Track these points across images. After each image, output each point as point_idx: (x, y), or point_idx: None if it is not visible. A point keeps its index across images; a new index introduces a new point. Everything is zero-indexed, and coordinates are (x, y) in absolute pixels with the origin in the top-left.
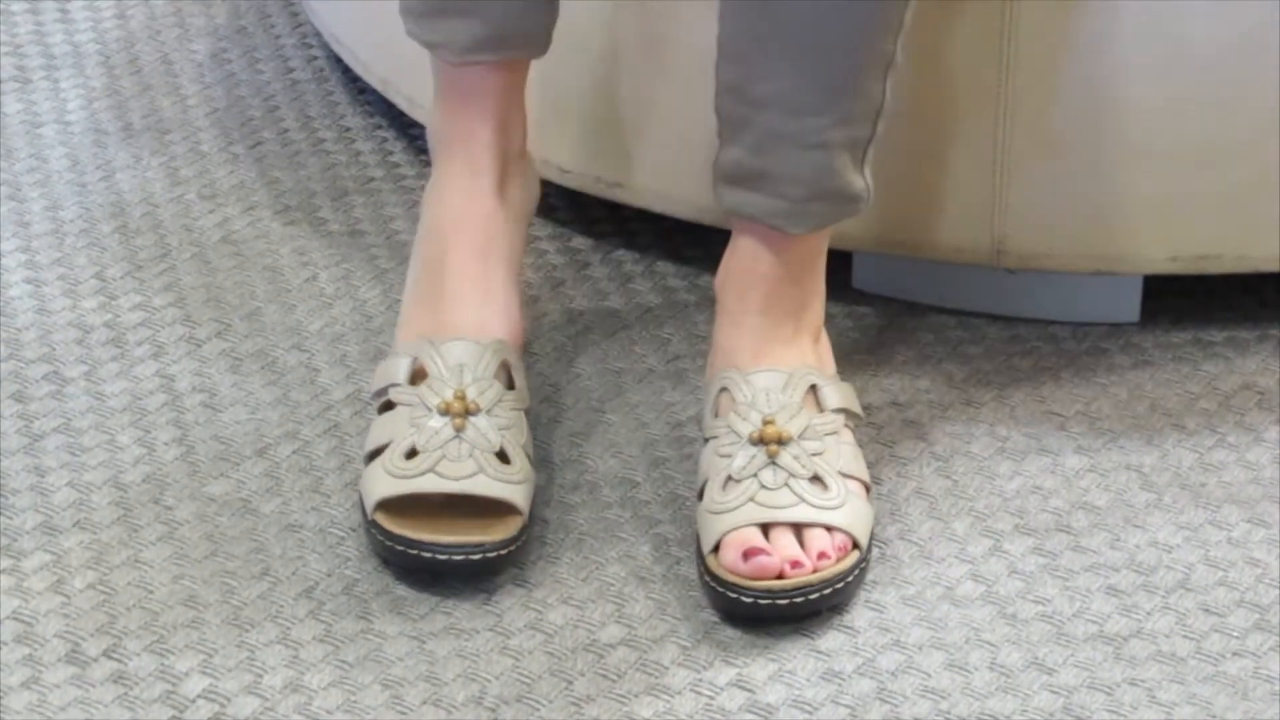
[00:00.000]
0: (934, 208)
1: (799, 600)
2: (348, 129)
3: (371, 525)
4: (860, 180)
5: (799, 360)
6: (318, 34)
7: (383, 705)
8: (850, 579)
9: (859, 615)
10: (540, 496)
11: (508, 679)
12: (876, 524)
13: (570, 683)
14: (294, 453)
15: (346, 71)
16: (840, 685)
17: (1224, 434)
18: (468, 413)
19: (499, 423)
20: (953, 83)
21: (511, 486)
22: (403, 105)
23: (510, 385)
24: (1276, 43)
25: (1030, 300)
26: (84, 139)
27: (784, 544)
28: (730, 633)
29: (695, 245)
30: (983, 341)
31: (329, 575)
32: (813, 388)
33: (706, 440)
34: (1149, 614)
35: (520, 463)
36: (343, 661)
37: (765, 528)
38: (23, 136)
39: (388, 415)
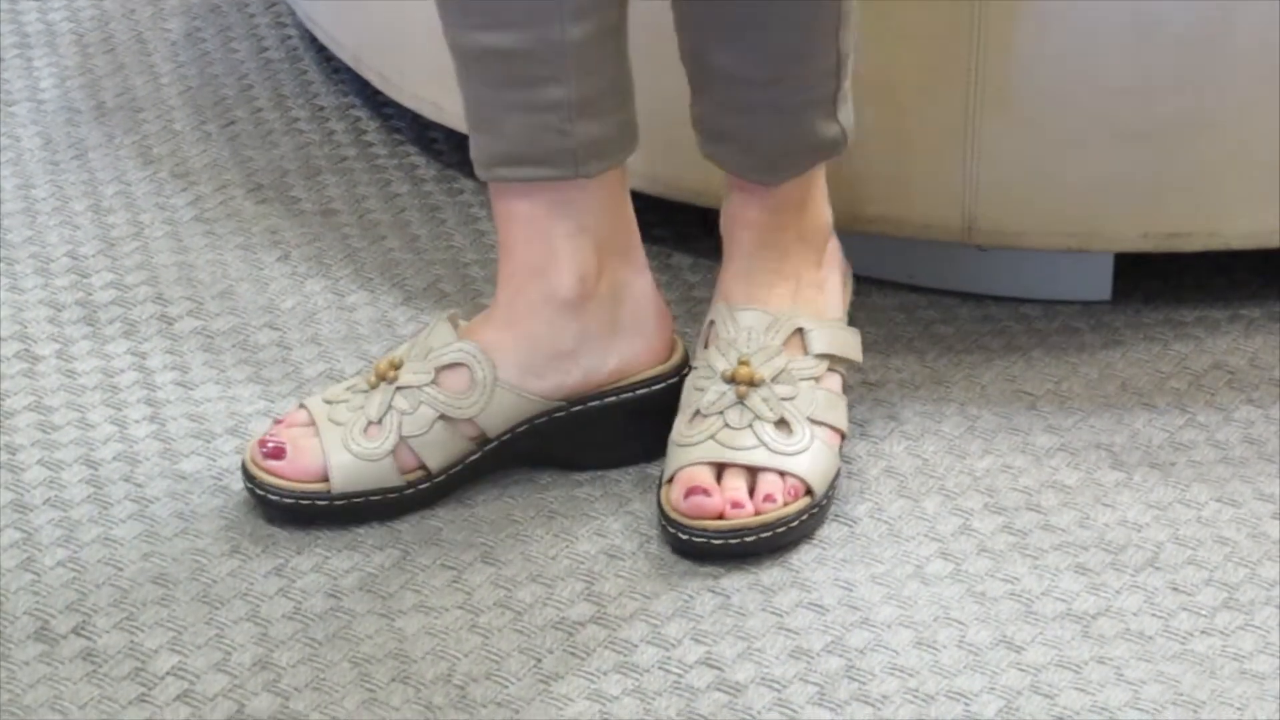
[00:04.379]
0: (905, 185)
1: (734, 541)
2: (321, 108)
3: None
4: (834, 127)
5: (788, 301)
6: (292, 13)
7: (351, 683)
8: (794, 524)
9: (828, 593)
10: (511, 475)
11: (476, 656)
12: (846, 502)
13: (539, 660)
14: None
15: (320, 50)
16: (809, 663)
17: (1194, 413)
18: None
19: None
20: (924, 59)
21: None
22: (375, 82)
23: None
24: (1247, 21)
25: (1002, 278)
26: (57, 117)
27: (732, 485)
28: (699, 611)
29: (665, 225)
30: (954, 320)
31: (298, 553)
32: (800, 331)
33: (691, 370)
34: (1117, 592)
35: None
36: (311, 639)
37: (721, 466)
38: None
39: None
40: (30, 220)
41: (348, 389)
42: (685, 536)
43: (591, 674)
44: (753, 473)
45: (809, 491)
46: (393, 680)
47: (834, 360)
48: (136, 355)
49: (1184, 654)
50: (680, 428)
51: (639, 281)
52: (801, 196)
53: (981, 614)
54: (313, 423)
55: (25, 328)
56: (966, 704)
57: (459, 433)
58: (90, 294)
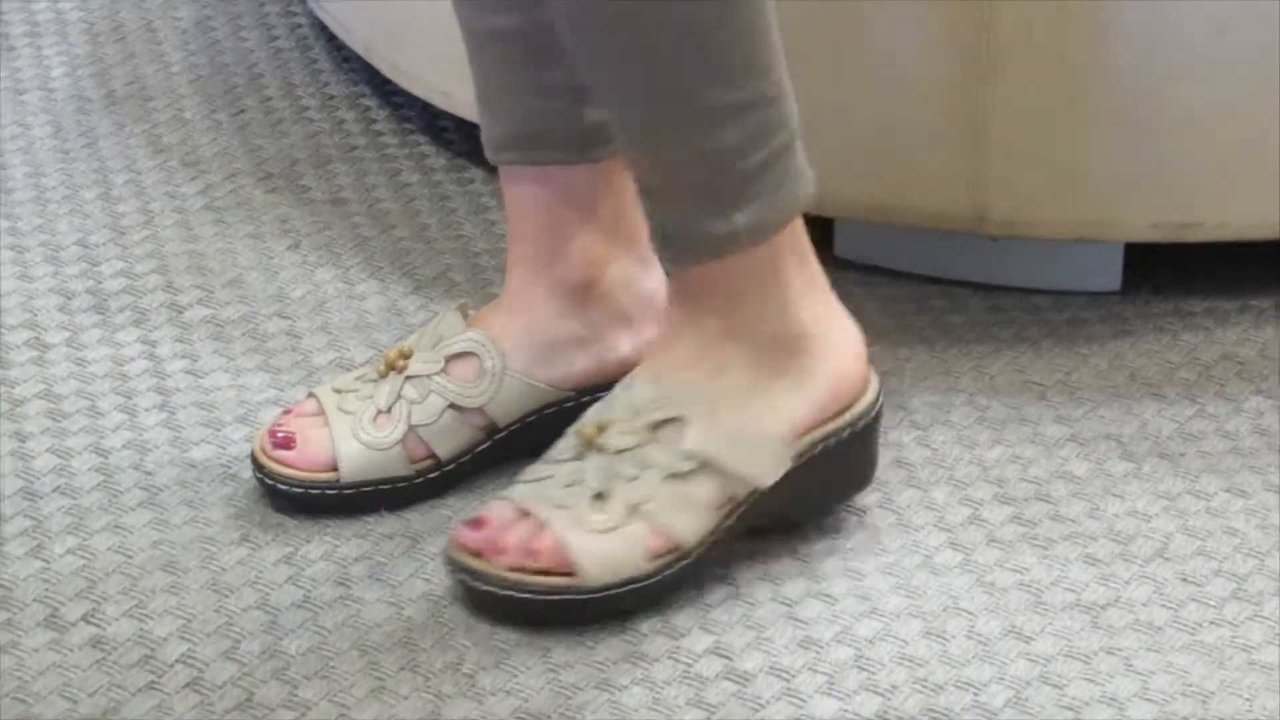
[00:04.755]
0: (916, 174)
1: (464, 580)
2: (331, 97)
3: None
4: (721, 224)
5: (694, 385)
6: (302, 1)
7: (360, 671)
8: (530, 594)
9: (837, 583)
10: (521, 465)
11: (485, 645)
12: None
13: (547, 650)
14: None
15: (331, 39)
16: (818, 653)
17: (1203, 404)
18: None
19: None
20: (934, 48)
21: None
22: (386, 71)
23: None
24: (1259, 12)
25: (1012, 268)
26: (67, 106)
27: (514, 531)
28: (709, 600)
29: None
30: (964, 310)
31: (308, 541)
32: (679, 420)
33: None
34: (1127, 583)
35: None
36: (320, 627)
37: (527, 511)
38: (5, 103)
39: None
40: (40, 209)
41: (357, 378)
42: (443, 558)
43: (600, 663)
44: (542, 529)
45: (572, 573)
46: (401, 669)
47: (713, 467)
48: (146, 344)
49: (1193, 644)
50: (534, 464)
51: (648, 271)
52: (732, 288)
53: (990, 604)
54: (322, 412)
55: (35, 316)
56: (975, 694)
57: (468, 422)
58: (100, 282)
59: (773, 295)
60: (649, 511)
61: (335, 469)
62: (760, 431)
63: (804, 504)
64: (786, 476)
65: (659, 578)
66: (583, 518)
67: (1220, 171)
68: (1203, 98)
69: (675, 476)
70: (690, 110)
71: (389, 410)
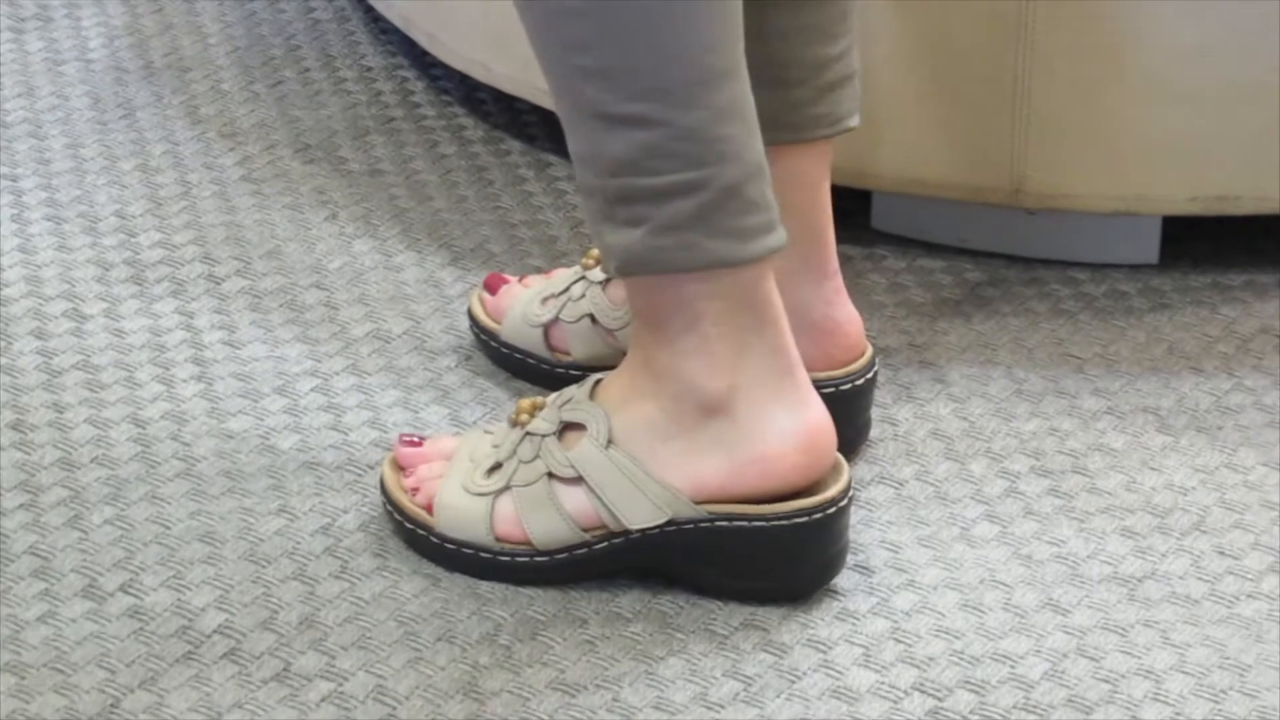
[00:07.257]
0: (953, 147)
1: (379, 489)
2: (369, 68)
3: None
4: (610, 235)
5: (611, 403)
6: None
7: (397, 641)
8: (402, 521)
9: (874, 555)
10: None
11: (521, 618)
12: (893, 464)
13: (584, 622)
14: (313, 390)
15: (368, 11)
16: (855, 625)
17: (1241, 377)
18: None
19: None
20: (973, 20)
21: None
22: (423, 42)
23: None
24: None
25: (1049, 241)
26: (105, 77)
27: (429, 465)
28: None
29: None
30: (1001, 283)
31: (346, 512)
32: (582, 430)
33: None
34: (1164, 556)
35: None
36: (358, 598)
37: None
38: (44, 74)
39: None
40: (79, 179)
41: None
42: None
43: (636, 635)
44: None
45: (433, 516)
46: (438, 639)
47: (588, 486)
48: (184, 314)
49: (1230, 617)
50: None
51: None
52: (651, 320)
53: (1028, 576)
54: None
55: (73, 286)
56: (1012, 666)
57: (602, 338)
58: (138, 253)
59: (693, 350)
60: (515, 496)
61: (500, 322)
62: (652, 475)
63: (714, 577)
64: (687, 535)
65: (503, 558)
66: (470, 477)
67: (1259, 144)
68: (1243, 70)
69: (556, 478)
70: (575, 105)
71: (549, 298)
